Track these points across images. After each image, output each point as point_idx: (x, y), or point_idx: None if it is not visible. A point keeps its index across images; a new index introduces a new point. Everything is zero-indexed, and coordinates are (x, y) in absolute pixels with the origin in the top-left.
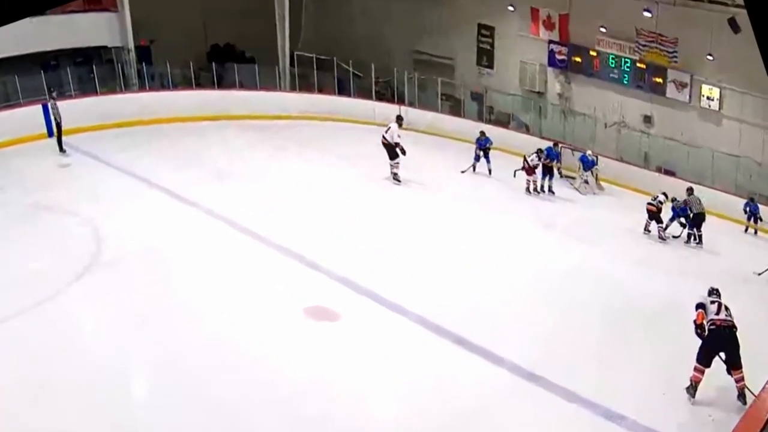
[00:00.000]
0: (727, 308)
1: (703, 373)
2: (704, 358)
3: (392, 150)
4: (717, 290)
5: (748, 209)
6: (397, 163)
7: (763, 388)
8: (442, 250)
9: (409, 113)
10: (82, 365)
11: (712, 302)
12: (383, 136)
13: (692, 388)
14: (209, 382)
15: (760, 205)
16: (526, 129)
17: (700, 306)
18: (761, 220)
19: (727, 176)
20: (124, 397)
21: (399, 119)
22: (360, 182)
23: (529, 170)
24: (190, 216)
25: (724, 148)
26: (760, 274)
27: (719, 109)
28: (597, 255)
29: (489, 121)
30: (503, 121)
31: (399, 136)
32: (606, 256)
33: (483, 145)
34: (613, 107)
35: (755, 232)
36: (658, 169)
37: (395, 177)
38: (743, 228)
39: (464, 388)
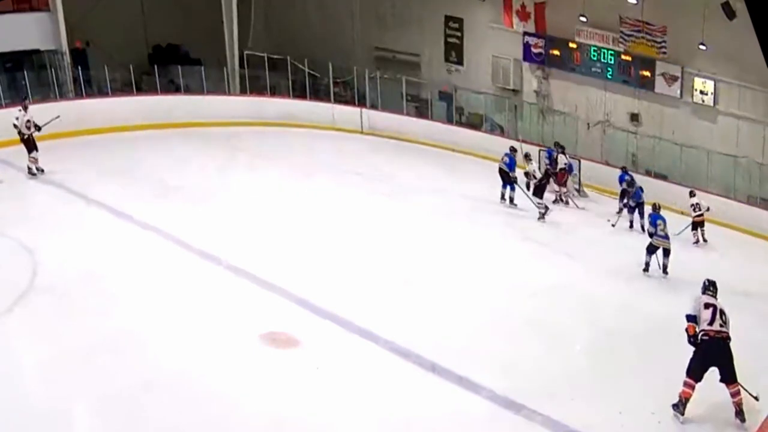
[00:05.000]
0: (723, 314)
1: (693, 388)
2: (695, 372)
3: (28, 141)
4: (714, 285)
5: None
6: (35, 157)
7: None
8: (410, 267)
9: (372, 116)
10: (20, 398)
11: (707, 306)
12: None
13: (681, 405)
14: (158, 419)
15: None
16: (501, 131)
17: (691, 318)
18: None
19: (725, 179)
20: None
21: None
22: (317, 194)
23: (561, 177)
24: (132, 235)
25: (720, 148)
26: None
27: (714, 104)
28: (581, 269)
29: (459, 124)
30: (475, 123)
31: (17, 118)
32: (591, 271)
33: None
34: (596, 105)
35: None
36: (648, 173)
37: (29, 171)
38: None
39: (439, 420)
